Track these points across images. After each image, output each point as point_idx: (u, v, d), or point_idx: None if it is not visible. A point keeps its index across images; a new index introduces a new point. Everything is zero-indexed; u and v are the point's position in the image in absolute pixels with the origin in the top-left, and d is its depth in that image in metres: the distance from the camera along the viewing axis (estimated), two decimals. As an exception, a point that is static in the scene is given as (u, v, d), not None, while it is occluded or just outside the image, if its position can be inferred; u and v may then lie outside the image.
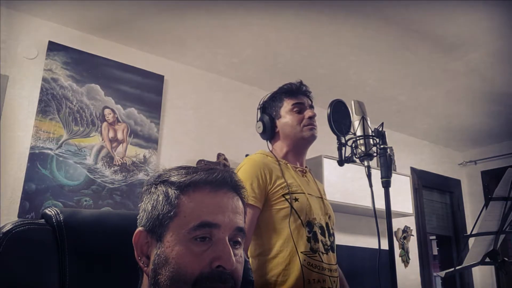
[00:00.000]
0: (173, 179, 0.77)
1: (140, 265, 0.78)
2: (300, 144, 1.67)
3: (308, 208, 1.55)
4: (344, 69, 3.11)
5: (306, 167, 1.73)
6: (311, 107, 1.70)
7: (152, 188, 0.79)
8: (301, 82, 1.72)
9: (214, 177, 0.77)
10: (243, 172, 1.55)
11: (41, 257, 0.79)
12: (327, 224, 1.62)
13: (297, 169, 1.67)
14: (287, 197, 1.53)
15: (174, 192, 0.76)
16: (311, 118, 1.65)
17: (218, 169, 0.79)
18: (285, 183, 1.55)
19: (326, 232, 1.59)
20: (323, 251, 1.54)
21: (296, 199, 1.54)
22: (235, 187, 0.80)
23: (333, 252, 1.60)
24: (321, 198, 1.67)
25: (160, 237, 0.74)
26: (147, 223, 0.77)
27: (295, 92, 1.70)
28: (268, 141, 1.75)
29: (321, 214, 1.61)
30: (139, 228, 0.78)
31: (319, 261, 1.51)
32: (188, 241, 0.73)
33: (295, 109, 1.66)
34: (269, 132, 1.70)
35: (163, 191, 0.77)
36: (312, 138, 1.66)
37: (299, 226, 1.52)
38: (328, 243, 1.58)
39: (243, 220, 0.79)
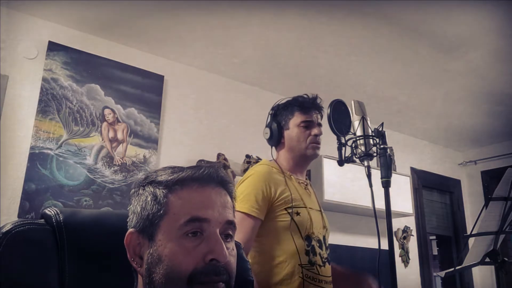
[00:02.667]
0: (160, 178, 0.78)
1: (133, 266, 0.78)
2: (302, 159, 1.72)
3: (309, 222, 1.59)
4: (344, 69, 3.11)
5: (306, 179, 1.78)
6: (319, 125, 1.73)
7: (140, 190, 0.80)
8: (315, 97, 1.75)
9: (201, 173, 0.78)
10: (249, 183, 1.58)
11: (41, 257, 0.79)
12: (324, 237, 1.66)
13: (300, 182, 1.70)
14: (289, 210, 1.56)
15: (162, 191, 0.76)
16: (317, 136, 1.69)
17: (204, 165, 0.80)
18: (289, 197, 1.58)
19: (324, 245, 1.64)
20: (321, 264, 1.58)
21: (297, 213, 1.58)
22: (222, 183, 0.81)
23: (329, 264, 1.64)
24: (320, 211, 1.71)
25: (152, 237, 0.75)
26: (138, 224, 0.77)
27: (308, 107, 1.72)
28: (273, 147, 1.78)
29: (319, 228, 1.65)
30: (130, 230, 0.78)
31: (316, 273, 1.55)
32: (180, 238, 0.73)
33: (303, 125, 1.69)
34: (275, 140, 1.74)
35: (151, 191, 0.78)
36: (315, 156, 1.71)
37: (299, 239, 1.56)
38: (325, 255, 1.62)
39: (232, 214, 0.80)
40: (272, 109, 1.79)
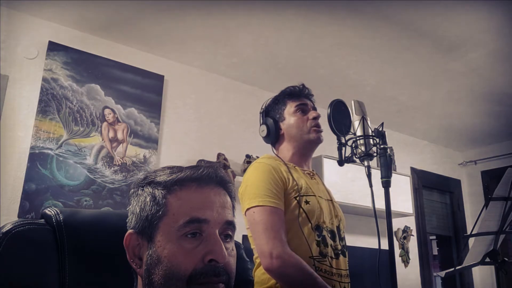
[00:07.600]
0: (159, 179, 0.78)
1: (133, 267, 0.78)
2: (306, 146, 1.64)
3: (319, 211, 1.50)
4: (344, 69, 3.11)
5: (312, 170, 1.70)
6: (314, 108, 1.68)
7: (139, 191, 0.80)
8: (303, 85, 1.70)
9: (200, 173, 0.78)
10: (257, 176, 1.49)
11: (41, 257, 0.79)
12: (338, 227, 1.57)
13: (305, 172, 1.63)
14: (298, 199, 1.48)
15: (161, 192, 0.76)
16: (316, 118, 1.62)
17: (203, 165, 0.80)
18: (297, 186, 1.50)
19: (337, 236, 1.54)
20: (333, 256, 1.49)
21: (307, 202, 1.49)
22: (221, 183, 0.81)
23: (344, 256, 1.54)
24: (331, 200, 1.63)
25: (151, 237, 0.75)
26: (137, 225, 0.77)
27: (298, 94, 1.68)
28: (272, 145, 1.70)
29: (331, 218, 1.56)
30: (130, 231, 0.78)
31: (328, 266, 1.46)
32: (179, 238, 0.73)
33: (298, 111, 1.64)
34: (274, 135, 1.66)
35: (150, 192, 0.77)
36: (318, 141, 1.63)
37: (309, 229, 1.47)
38: (339, 247, 1.53)
39: (232, 214, 0.80)
40: (262, 108, 1.74)
